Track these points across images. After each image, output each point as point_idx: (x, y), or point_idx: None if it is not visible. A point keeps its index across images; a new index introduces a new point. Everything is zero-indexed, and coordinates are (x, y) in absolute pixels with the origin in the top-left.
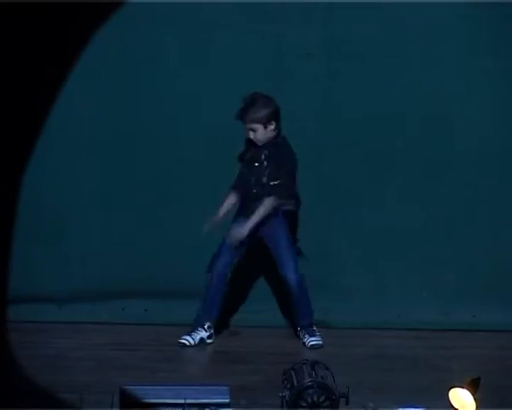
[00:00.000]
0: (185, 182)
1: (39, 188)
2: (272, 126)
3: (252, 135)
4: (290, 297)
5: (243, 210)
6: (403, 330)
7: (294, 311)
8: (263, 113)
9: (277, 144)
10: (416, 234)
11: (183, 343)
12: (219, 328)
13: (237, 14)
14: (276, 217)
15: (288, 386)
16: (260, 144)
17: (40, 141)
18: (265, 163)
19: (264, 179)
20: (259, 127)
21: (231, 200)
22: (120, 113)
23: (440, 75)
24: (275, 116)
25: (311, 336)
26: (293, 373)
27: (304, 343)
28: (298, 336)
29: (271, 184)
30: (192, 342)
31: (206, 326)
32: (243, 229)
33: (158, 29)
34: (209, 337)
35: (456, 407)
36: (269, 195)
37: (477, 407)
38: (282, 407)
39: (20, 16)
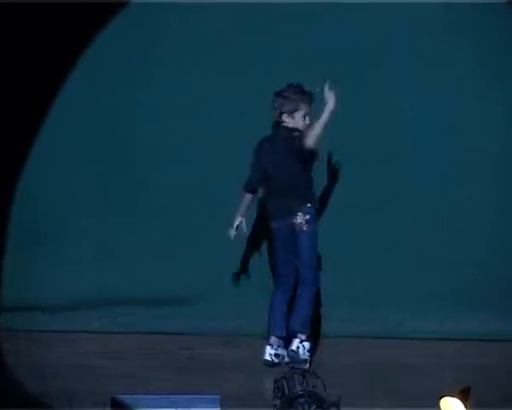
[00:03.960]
0: (176, 191)
1: (33, 196)
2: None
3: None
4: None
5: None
6: (397, 340)
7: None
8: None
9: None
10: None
11: (269, 361)
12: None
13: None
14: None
15: (280, 395)
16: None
17: (34, 147)
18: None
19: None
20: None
21: (248, 198)
22: (116, 119)
23: (453, 77)
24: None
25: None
26: (284, 382)
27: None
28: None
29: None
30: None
31: (301, 337)
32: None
33: (155, 33)
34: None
35: None
36: None
37: None
38: None
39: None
